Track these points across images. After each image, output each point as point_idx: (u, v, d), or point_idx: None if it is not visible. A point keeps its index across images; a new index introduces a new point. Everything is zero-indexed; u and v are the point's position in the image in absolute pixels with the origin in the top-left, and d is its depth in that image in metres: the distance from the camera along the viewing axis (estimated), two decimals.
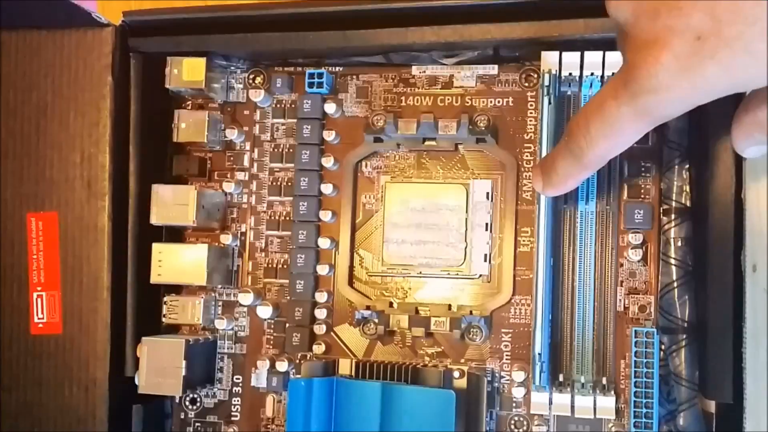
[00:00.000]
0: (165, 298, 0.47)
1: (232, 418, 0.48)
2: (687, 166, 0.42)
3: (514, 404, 0.44)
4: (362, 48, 0.45)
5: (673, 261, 0.42)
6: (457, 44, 0.44)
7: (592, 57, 0.41)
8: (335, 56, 0.47)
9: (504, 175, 0.45)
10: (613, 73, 0.41)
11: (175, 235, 0.48)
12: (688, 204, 0.42)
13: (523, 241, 0.45)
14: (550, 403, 0.42)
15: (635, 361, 0.41)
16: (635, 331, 0.41)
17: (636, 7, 0.30)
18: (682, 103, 0.31)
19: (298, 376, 0.45)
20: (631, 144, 0.34)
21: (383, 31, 0.44)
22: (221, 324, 0.47)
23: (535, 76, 0.45)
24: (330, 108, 0.46)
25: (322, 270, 0.46)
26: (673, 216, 0.42)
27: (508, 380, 0.44)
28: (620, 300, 0.43)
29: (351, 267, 0.47)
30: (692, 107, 0.31)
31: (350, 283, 0.47)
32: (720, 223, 0.40)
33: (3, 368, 0.46)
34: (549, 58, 0.42)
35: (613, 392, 0.41)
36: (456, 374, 0.43)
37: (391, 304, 0.46)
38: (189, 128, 0.47)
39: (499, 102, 0.46)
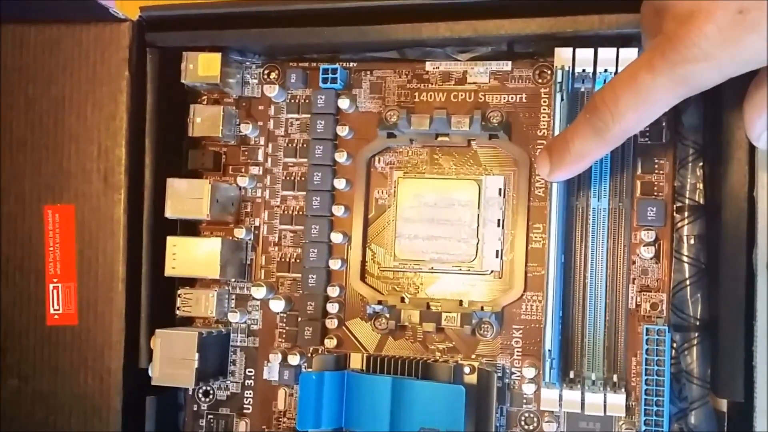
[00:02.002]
0: (179, 291, 0.48)
1: (245, 411, 0.48)
2: (701, 163, 0.42)
3: (524, 400, 0.44)
4: (377, 43, 0.45)
5: (685, 258, 0.42)
6: (471, 39, 0.44)
7: (606, 54, 0.41)
8: (349, 51, 0.47)
9: (516, 171, 0.45)
10: None
11: (190, 228, 0.49)
12: (701, 201, 0.42)
13: (535, 237, 0.44)
14: (561, 399, 0.42)
15: (646, 358, 0.40)
16: (647, 328, 0.41)
17: None
18: (719, 74, 0.32)
19: (310, 369, 0.45)
20: (656, 117, 0.35)
21: (398, 26, 0.44)
22: (234, 317, 0.48)
23: (549, 72, 0.45)
24: (344, 103, 0.47)
25: (335, 264, 0.47)
26: (686, 213, 0.42)
27: (518, 376, 0.44)
28: (632, 297, 0.43)
29: (363, 262, 0.47)
30: (726, 78, 0.32)
31: (362, 278, 0.47)
32: (733, 221, 0.39)
33: (19, 358, 0.47)
34: (562, 55, 0.42)
35: (623, 390, 0.41)
36: (467, 370, 0.43)
37: (402, 299, 0.46)
38: (204, 123, 0.47)
39: (512, 98, 0.45)
